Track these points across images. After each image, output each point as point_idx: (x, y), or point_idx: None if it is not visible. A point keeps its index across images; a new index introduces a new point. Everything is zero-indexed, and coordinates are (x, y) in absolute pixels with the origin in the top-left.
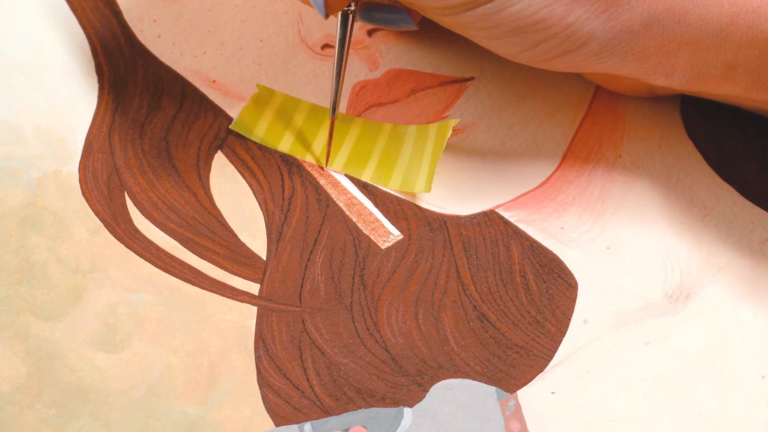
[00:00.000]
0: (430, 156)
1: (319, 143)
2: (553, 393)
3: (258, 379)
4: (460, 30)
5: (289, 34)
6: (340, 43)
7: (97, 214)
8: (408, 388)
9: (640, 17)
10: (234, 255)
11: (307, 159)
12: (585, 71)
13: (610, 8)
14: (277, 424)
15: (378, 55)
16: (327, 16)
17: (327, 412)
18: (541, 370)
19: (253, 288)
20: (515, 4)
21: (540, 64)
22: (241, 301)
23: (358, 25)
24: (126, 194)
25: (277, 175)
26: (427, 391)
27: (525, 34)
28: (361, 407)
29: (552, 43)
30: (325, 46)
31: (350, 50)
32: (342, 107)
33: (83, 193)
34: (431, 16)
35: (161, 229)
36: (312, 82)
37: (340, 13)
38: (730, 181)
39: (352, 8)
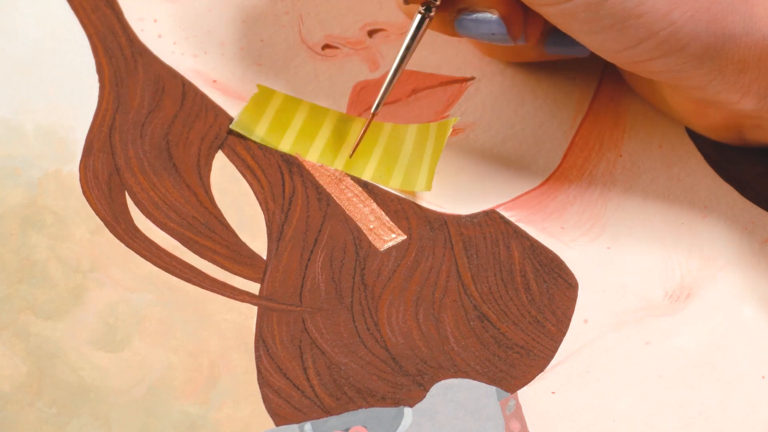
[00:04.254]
0: (431, 155)
1: (319, 143)
2: (554, 393)
3: (258, 379)
4: (564, 23)
5: (289, 35)
6: (406, 45)
7: (97, 213)
8: (408, 388)
9: (741, 20)
10: (234, 254)
11: (308, 159)
12: (683, 81)
13: (713, 7)
14: (277, 424)
15: (378, 55)
16: (407, 1)
17: (327, 412)
18: (541, 369)
19: (254, 288)
20: None
21: (639, 66)
22: (242, 300)
23: (361, 24)
24: (126, 194)
25: (277, 175)
26: (428, 391)
27: (628, 30)
28: (361, 407)
29: (654, 41)
30: (326, 46)
31: (350, 51)
32: (342, 107)
33: (84, 193)
34: (535, 7)
35: (162, 229)
36: (312, 82)
37: (417, 14)
38: (730, 181)
39: (432, 14)
